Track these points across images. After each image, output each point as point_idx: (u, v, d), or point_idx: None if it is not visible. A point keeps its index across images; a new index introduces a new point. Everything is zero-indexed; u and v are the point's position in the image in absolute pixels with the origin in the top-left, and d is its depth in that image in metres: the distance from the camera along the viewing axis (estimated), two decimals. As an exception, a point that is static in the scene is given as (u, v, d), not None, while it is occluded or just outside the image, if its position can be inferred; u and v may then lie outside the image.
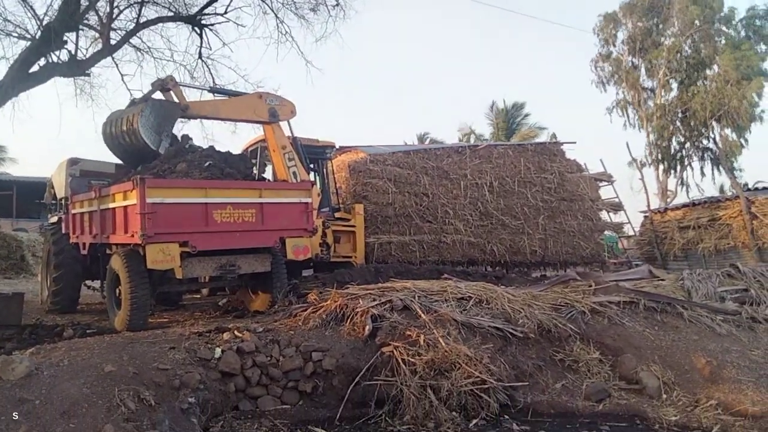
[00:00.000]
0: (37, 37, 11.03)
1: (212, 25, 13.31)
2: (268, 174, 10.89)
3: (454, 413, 5.58)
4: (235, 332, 6.23)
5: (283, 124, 9.60)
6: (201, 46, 13.43)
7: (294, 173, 9.21)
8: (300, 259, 8.59)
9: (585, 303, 7.45)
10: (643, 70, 31.51)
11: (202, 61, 13.65)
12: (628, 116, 32.14)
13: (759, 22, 29.34)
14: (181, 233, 7.28)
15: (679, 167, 31.24)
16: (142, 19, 12.46)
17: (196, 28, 13.21)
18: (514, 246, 14.38)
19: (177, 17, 12.94)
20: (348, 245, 11.99)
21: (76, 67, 11.73)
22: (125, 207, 7.43)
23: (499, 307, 7.15)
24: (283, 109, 9.43)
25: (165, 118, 8.38)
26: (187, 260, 7.44)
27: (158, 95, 8.63)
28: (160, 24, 12.93)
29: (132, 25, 12.49)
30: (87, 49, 12.42)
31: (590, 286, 8.40)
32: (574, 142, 16.55)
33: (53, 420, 4.24)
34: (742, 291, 8.79)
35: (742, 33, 29.67)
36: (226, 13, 13.12)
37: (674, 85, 30.64)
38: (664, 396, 6.06)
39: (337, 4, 13.34)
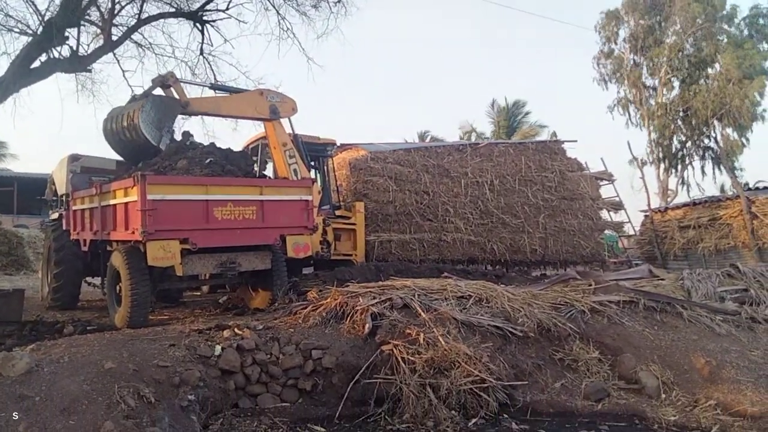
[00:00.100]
0: (38, 32, 11.01)
1: (214, 21, 13.29)
2: (269, 171, 10.89)
3: (453, 412, 5.58)
4: (235, 330, 6.24)
5: (284, 122, 9.59)
6: (202, 43, 13.42)
7: (295, 171, 9.21)
8: (300, 256, 8.58)
9: (585, 302, 7.46)
10: (644, 68, 31.46)
11: (204, 57, 13.64)
12: (629, 115, 32.14)
13: (762, 20, 29.27)
14: (182, 230, 7.29)
15: (680, 166, 31.22)
16: (144, 15, 12.44)
17: (197, 24, 13.18)
18: (514, 245, 14.40)
19: (178, 13, 12.91)
20: (348, 243, 11.99)
21: (78, 63, 11.71)
22: (126, 204, 7.44)
23: (499, 305, 7.16)
24: (284, 106, 9.43)
25: (165, 114, 8.38)
26: (187, 257, 7.45)
27: (159, 91, 8.63)
28: (162, 20, 12.90)
29: (133, 21, 12.47)
30: (88, 45, 12.41)
31: (590, 285, 8.40)
32: (575, 141, 16.57)
33: (53, 416, 4.25)
34: (742, 291, 8.80)
35: (745, 32, 29.60)
36: (227, 9, 13.10)
37: (676, 84, 30.60)
38: (663, 396, 6.07)
39: (339, 1, 13.30)
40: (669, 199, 29.45)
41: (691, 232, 16.48)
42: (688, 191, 30.55)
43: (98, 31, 12.38)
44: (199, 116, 10.73)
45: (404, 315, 6.70)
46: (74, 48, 11.52)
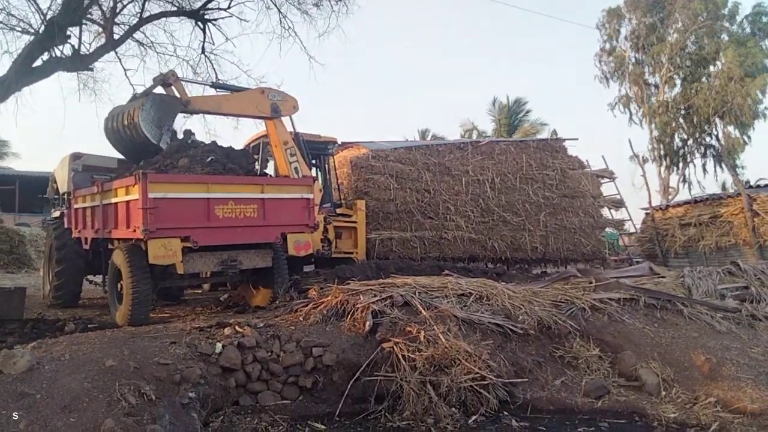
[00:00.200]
0: (40, 31, 11.02)
1: (215, 19, 13.28)
2: (270, 170, 10.90)
3: (453, 409, 5.60)
4: (236, 327, 6.26)
5: (286, 120, 9.61)
6: (204, 41, 13.41)
7: (296, 169, 9.22)
8: (301, 254, 8.60)
9: (585, 300, 7.46)
10: (646, 65, 31.40)
11: (205, 56, 13.64)
12: (630, 113, 32.09)
13: (765, 18, 29.18)
14: (183, 228, 7.30)
15: (681, 164, 31.17)
16: (146, 14, 12.44)
17: (199, 23, 13.17)
18: (515, 242, 14.39)
19: (180, 12, 12.92)
20: (349, 241, 12.00)
21: (80, 62, 11.72)
22: (127, 202, 7.45)
23: (500, 303, 7.17)
24: (285, 104, 9.43)
25: (166, 113, 8.39)
26: (188, 255, 7.47)
27: (160, 90, 8.64)
28: (164, 19, 12.90)
29: (135, 20, 12.47)
30: (90, 44, 12.41)
31: (591, 282, 8.42)
32: (576, 139, 16.55)
33: (54, 414, 4.27)
34: (743, 288, 8.80)
35: (747, 29, 29.53)
36: (229, 8, 13.08)
37: (677, 81, 30.54)
38: (663, 393, 6.08)
39: (340, -1, 13.29)
40: (670, 197, 29.41)
41: (692, 230, 16.46)
42: (690, 189, 30.53)
43: (100, 29, 12.39)
44: (201, 115, 10.74)
45: (405, 313, 6.70)
46: (76, 47, 11.53)
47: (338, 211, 11.91)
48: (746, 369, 6.26)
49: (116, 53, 12.76)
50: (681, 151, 31.05)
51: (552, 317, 7.00)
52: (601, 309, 7.34)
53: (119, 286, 7.78)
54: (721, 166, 30.08)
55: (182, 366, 5.36)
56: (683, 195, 29.39)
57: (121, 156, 9.32)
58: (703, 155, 30.89)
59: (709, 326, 7.25)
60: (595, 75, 32.81)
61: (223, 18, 13.33)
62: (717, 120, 28.79)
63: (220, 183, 7.71)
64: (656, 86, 31.17)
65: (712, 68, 29.48)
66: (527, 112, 35.33)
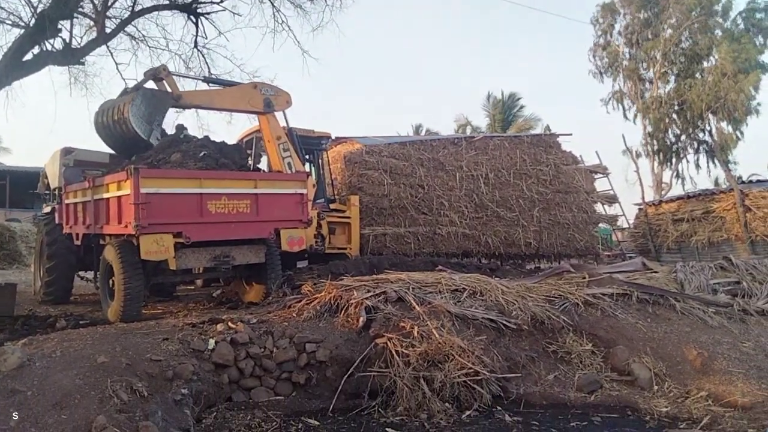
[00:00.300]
0: (31, 24, 10.88)
1: (208, 13, 13.17)
2: (263, 165, 10.86)
3: (447, 404, 5.62)
4: (229, 323, 6.24)
5: (279, 115, 9.57)
6: (197, 35, 13.29)
7: (289, 164, 9.19)
8: (295, 250, 8.58)
9: (578, 295, 7.49)
10: (640, 61, 31.45)
11: (198, 50, 13.52)
12: (624, 108, 32.16)
13: (759, 15, 29.27)
14: (176, 224, 7.27)
15: (674, 159, 31.28)
16: (138, 7, 12.31)
17: (191, 17, 13.06)
18: (508, 238, 14.40)
19: (172, 5, 12.80)
20: (343, 237, 11.98)
21: (71, 56, 11.59)
22: (119, 197, 7.40)
23: (493, 299, 7.18)
24: (278, 99, 9.39)
25: (156, 108, 8.33)
26: (181, 251, 7.43)
27: (151, 85, 8.57)
28: (156, 12, 12.77)
29: (127, 13, 12.34)
30: (81, 38, 12.26)
31: (584, 278, 8.44)
32: (570, 134, 16.57)
33: (45, 411, 4.24)
34: (735, 283, 8.85)
35: (741, 26, 29.61)
36: (222, 1, 12.98)
37: (671, 77, 30.62)
38: (656, 387, 6.12)
39: (334, -7, 13.19)
40: (663, 192, 29.53)
41: (684, 225, 16.55)
42: (683, 184, 30.66)
43: (91, 23, 12.25)
44: (193, 109, 10.66)
45: (398, 308, 6.71)
46: (67, 40, 11.40)
47: (332, 206, 11.89)
48: (737, 363, 6.31)
49: (108, 47, 12.64)
50: (674, 147, 31.16)
51: (545, 312, 7.02)
52: (594, 304, 7.37)
53: (111, 282, 7.73)
54: (714, 162, 30.21)
55: (175, 362, 5.34)
56: (677, 190, 29.54)
57: (113, 151, 9.25)
58: (696, 151, 31.01)
59: (701, 321, 7.30)
60: (589, 70, 32.85)
61: (215, 12, 13.24)
62: (710, 116, 28.88)
63: (212, 178, 7.67)
64: (650, 82, 31.24)
65: (705, 64, 29.56)
66: (521, 107, 35.40)
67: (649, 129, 30.74)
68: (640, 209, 18.57)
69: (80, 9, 11.79)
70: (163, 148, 8.14)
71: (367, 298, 6.80)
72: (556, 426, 5.47)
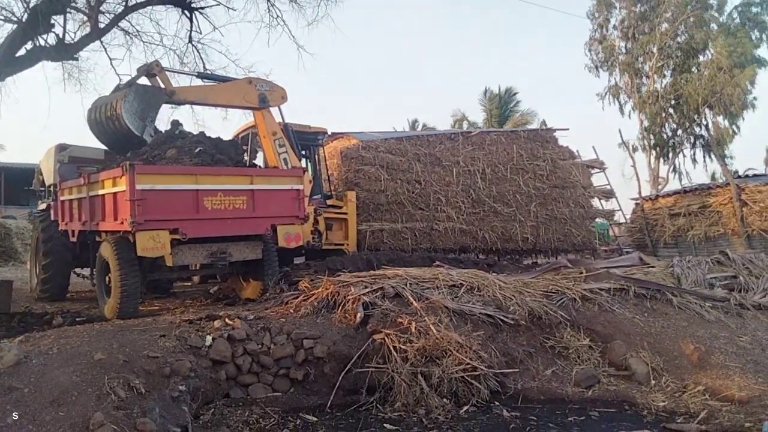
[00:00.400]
0: (23, 19, 10.80)
1: (202, 8, 13.09)
2: (259, 161, 10.82)
3: (444, 400, 5.62)
4: (226, 320, 6.22)
5: (274, 110, 9.50)
6: (191, 30, 13.22)
7: (284, 160, 9.14)
8: (291, 246, 8.55)
9: (576, 290, 7.50)
10: (636, 55, 31.44)
11: (192, 45, 13.45)
12: (619, 103, 32.16)
13: (755, 9, 29.29)
14: (172, 220, 7.23)
15: (671, 154, 31.33)
16: (131, 2, 12.22)
17: (185, 12, 12.98)
18: (505, 233, 14.42)
19: (167, 0, 12.73)
20: (340, 233, 11.96)
21: (64, 51, 11.52)
22: (115, 194, 7.36)
23: (491, 294, 7.18)
24: (273, 94, 9.33)
25: (150, 104, 8.25)
26: (177, 247, 7.39)
27: (144, 81, 8.50)
28: (150, 7, 12.67)
29: (121, 8, 12.26)
30: (75, 33, 12.18)
31: (581, 273, 8.46)
32: (567, 129, 16.58)
33: (42, 408, 4.22)
34: (731, 278, 8.88)
35: (737, 20, 29.61)
36: (216, -5, 12.92)
37: (667, 72, 30.61)
38: (653, 382, 6.13)
39: (329, -13, 13.14)
40: (660, 187, 29.57)
41: (681, 220, 16.58)
42: (680, 179, 30.71)
43: (85, 18, 12.17)
44: (189, 105, 10.61)
45: (396, 304, 6.70)
46: (60, 36, 11.33)
47: (328, 202, 11.86)
48: (734, 357, 6.33)
49: (102, 42, 12.57)
50: (671, 141, 31.20)
51: (543, 308, 7.02)
52: (591, 299, 7.38)
53: (107, 278, 7.70)
54: (710, 157, 30.27)
55: (172, 359, 5.32)
56: (674, 185, 29.58)
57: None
58: (693, 145, 31.06)
59: (698, 315, 7.32)
60: (585, 64, 32.82)
61: (210, 6, 13.17)
62: (706, 110, 28.91)
63: (208, 174, 7.64)
64: (646, 76, 31.24)
65: (702, 58, 29.58)
66: (517, 102, 35.37)
67: (646, 123, 30.77)
68: (636, 204, 18.59)
69: (73, 4, 11.71)
70: (158, 144, 8.09)
71: (364, 294, 6.79)
72: (553, 421, 5.48)
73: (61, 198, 9.16)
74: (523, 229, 14.61)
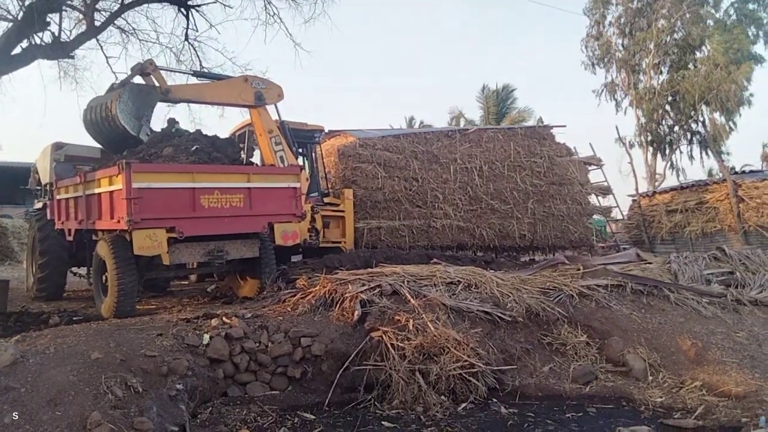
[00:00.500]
0: (19, 18, 10.75)
1: (199, 6, 13.04)
2: (256, 159, 10.79)
3: (442, 397, 5.63)
4: (224, 318, 6.21)
5: (271, 108, 9.48)
6: (187, 28, 13.16)
7: (281, 158, 9.11)
8: (289, 244, 8.55)
9: (573, 287, 7.51)
10: (632, 52, 31.44)
11: (189, 43, 13.40)
12: (616, 100, 32.17)
13: (751, 5, 29.30)
14: (168, 219, 7.21)
15: (668, 150, 31.37)
16: (127, 0, 12.20)
17: (182, 9, 12.93)
18: (503, 230, 14.42)
19: (163, -2, 12.68)
20: (337, 230, 11.95)
21: (60, 49, 11.47)
22: (111, 192, 7.34)
23: (488, 291, 7.19)
24: (269, 92, 9.30)
25: (144, 103, 8.22)
26: (174, 246, 7.38)
27: (138, 80, 8.46)
28: (146, 5, 12.63)
29: (117, 6, 12.20)
30: (71, 31, 12.14)
31: (578, 269, 8.47)
32: (564, 126, 16.54)
33: (39, 408, 4.21)
34: (728, 274, 8.90)
35: (734, 16, 29.63)
36: (212, -7, 12.87)
37: (664, 68, 30.63)
38: (650, 378, 6.15)
39: (326, -15, 13.09)
40: (657, 183, 29.62)
41: (678, 216, 16.62)
42: (677, 175, 30.76)
43: (81, 16, 12.12)
44: (185, 104, 10.58)
45: (393, 301, 6.70)
46: (56, 34, 11.28)
47: (326, 200, 11.85)
48: (731, 353, 6.35)
49: (98, 40, 12.51)
50: (668, 138, 31.23)
51: (540, 304, 7.03)
52: (588, 296, 7.39)
53: (104, 277, 7.68)
54: (707, 153, 30.32)
55: (169, 358, 5.32)
56: (671, 181, 29.62)
57: (102, 146, 9.16)
58: (690, 142, 31.10)
59: (695, 311, 7.34)
60: (582, 61, 32.81)
61: (206, 4, 13.12)
62: (703, 106, 28.95)
63: (205, 172, 7.62)
64: (643, 72, 31.26)
65: (698, 55, 29.60)
66: (514, 99, 35.34)
67: (643, 120, 30.80)
68: (633, 200, 18.63)
69: (69, 2, 11.66)
70: (155, 143, 8.07)
71: (362, 292, 6.79)
72: (551, 417, 5.49)
73: (58, 197, 9.13)
74: (520, 226, 14.62)
